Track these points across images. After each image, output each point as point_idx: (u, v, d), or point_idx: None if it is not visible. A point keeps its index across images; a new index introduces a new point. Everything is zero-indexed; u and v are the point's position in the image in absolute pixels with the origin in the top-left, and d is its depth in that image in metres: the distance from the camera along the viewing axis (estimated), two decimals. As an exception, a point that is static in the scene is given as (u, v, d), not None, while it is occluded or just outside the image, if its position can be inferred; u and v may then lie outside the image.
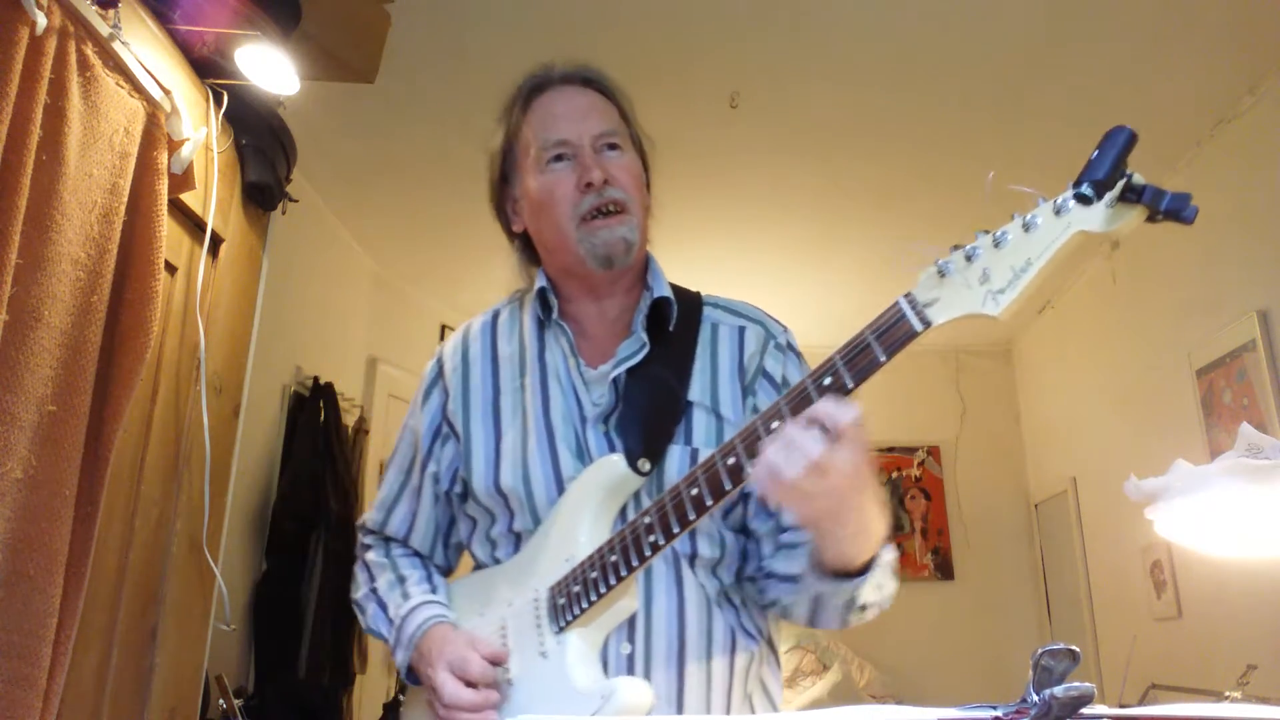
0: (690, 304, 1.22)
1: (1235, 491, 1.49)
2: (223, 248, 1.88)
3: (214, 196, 1.80)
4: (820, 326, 2.89)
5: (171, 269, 1.71)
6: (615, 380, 1.14)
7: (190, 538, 1.76)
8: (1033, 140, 2.97)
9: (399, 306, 4.20)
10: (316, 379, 3.32)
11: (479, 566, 1.21)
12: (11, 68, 1.21)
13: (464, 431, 1.20)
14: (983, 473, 4.66)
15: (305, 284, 3.34)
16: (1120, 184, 0.73)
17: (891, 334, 0.84)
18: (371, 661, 3.42)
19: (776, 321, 1.24)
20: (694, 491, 0.93)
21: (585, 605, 1.01)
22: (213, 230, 1.81)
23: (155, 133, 1.57)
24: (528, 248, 1.26)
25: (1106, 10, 2.45)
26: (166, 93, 1.60)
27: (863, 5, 2.47)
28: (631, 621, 1.06)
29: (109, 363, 1.44)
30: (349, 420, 3.48)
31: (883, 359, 0.84)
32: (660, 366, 1.14)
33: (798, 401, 0.88)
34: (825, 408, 0.85)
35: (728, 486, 0.91)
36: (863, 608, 1.04)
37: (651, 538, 0.96)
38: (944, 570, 4.66)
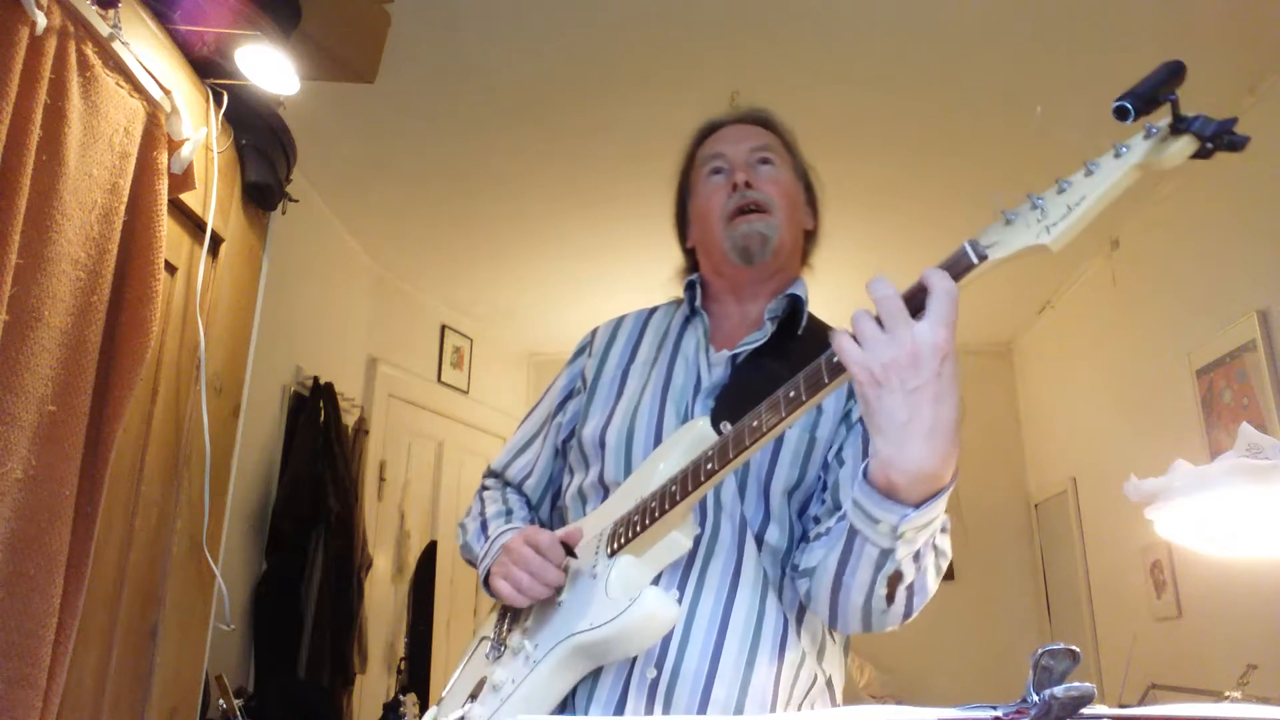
0: (824, 329, 1.28)
1: (1235, 491, 1.49)
2: (223, 248, 1.88)
3: (214, 196, 1.80)
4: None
5: (171, 269, 1.71)
6: (734, 358, 1.23)
7: (190, 538, 1.76)
8: (1033, 140, 2.96)
9: (399, 306, 4.20)
10: (316, 379, 3.32)
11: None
12: (11, 68, 1.21)
13: (592, 385, 1.32)
14: (983, 473, 4.66)
15: (305, 284, 3.34)
16: (1166, 106, 0.75)
17: (951, 271, 0.83)
18: (371, 661, 3.42)
19: None
20: (754, 423, 0.94)
21: (639, 530, 1.05)
22: (213, 230, 1.81)
23: (155, 133, 1.57)
24: (693, 261, 1.41)
25: (1106, 10, 2.45)
26: (166, 93, 1.60)
27: (863, 5, 2.47)
28: (685, 571, 1.10)
29: (109, 363, 1.44)
30: (349, 420, 3.48)
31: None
32: (777, 361, 1.20)
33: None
34: (927, 271, 0.83)
35: (784, 413, 0.91)
36: (898, 577, 0.96)
37: (709, 465, 0.98)
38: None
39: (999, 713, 0.51)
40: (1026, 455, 4.75)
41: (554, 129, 3.02)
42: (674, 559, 1.08)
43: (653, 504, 1.04)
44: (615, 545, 1.07)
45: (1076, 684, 0.50)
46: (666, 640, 1.06)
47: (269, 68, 1.83)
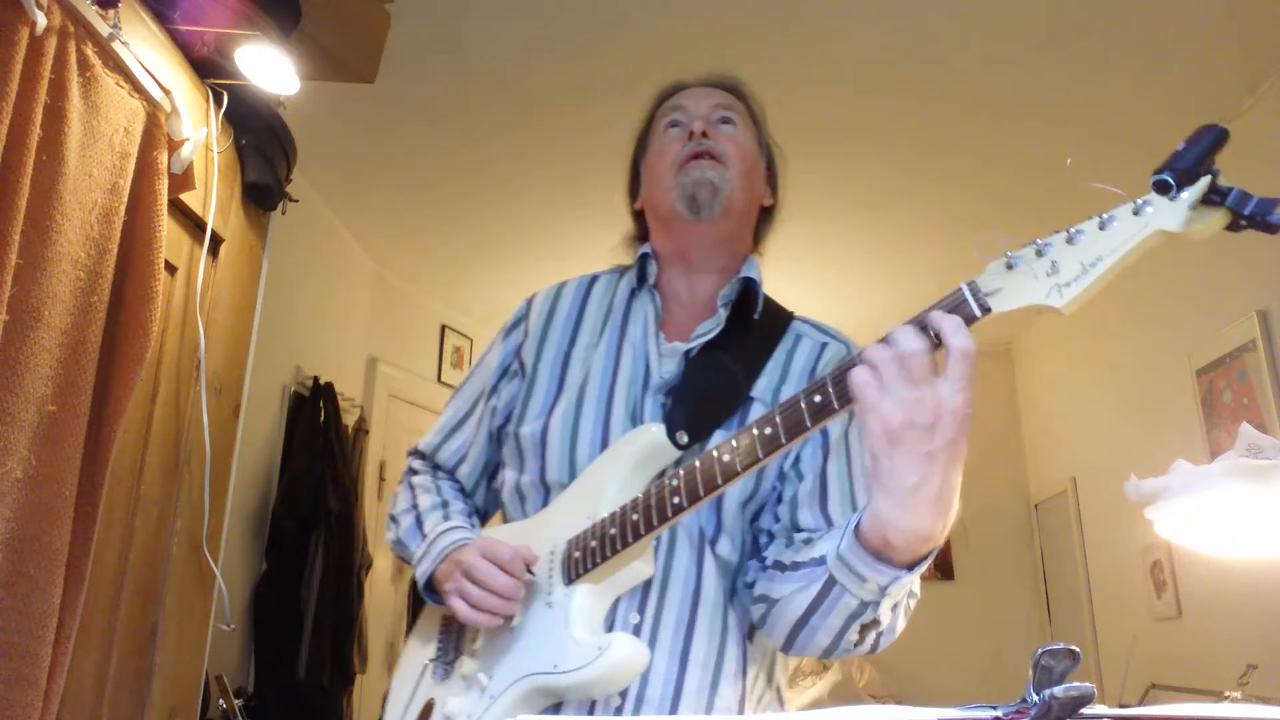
0: (780, 314, 1.23)
1: (1235, 491, 1.49)
2: (223, 248, 1.88)
3: (214, 196, 1.80)
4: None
5: (171, 269, 1.71)
6: (686, 354, 1.15)
7: (190, 538, 1.76)
8: (1032, 140, 2.97)
9: (399, 306, 4.20)
10: (316, 379, 3.32)
11: (506, 522, 1.21)
12: (11, 68, 1.21)
13: (530, 372, 1.21)
14: (983, 472, 4.63)
15: (305, 284, 3.34)
16: (1205, 181, 0.69)
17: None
18: (371, 661, 3.42)
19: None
20: (726, 459, 0.91)
21: (599, 560, 0.99)
22: (213, 230, 1.81)
23: (155, 133, 1.57)
24: (642, 226, 1.31)
25: (1106, 10, 2.45)
26: (166, 93, 1.60)
27: (862, 4, 2.47)
28: (644, 593, 1.05)
29: (109, 363, 1.44)
30: (349, 420, 3.48)
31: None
32: (733, 355, 1.14)
33: (838, 374, 0.84)
34: (939, 318, 0.78)
35: (760, 455, 0.88)
36: (873, 624, 0.93)
37: (676, 500, 0.94)
38: (944, 570, 4.66)
39: (999, 713, 0.51)
40: (1026, 455, 4.74)
41: (554, 129, 3.02)
42: (634, 586, 1.04)
43: (612, 531, 0.99)
44: (574, 573, 1.02)
45: (1076, 684, 0.49)
46: None
47: (269, 68, 1.83)
